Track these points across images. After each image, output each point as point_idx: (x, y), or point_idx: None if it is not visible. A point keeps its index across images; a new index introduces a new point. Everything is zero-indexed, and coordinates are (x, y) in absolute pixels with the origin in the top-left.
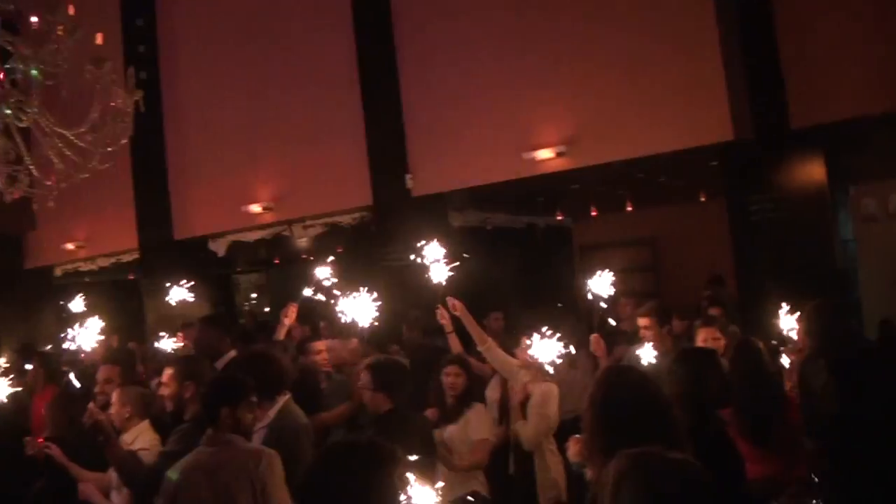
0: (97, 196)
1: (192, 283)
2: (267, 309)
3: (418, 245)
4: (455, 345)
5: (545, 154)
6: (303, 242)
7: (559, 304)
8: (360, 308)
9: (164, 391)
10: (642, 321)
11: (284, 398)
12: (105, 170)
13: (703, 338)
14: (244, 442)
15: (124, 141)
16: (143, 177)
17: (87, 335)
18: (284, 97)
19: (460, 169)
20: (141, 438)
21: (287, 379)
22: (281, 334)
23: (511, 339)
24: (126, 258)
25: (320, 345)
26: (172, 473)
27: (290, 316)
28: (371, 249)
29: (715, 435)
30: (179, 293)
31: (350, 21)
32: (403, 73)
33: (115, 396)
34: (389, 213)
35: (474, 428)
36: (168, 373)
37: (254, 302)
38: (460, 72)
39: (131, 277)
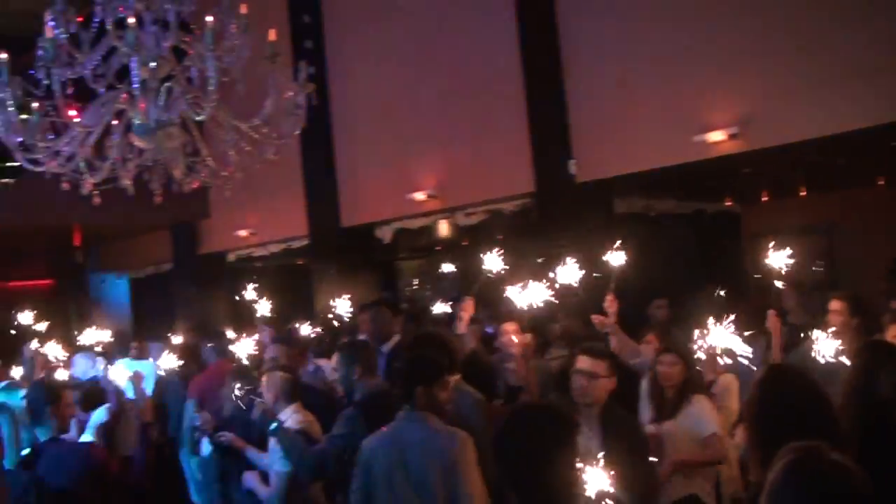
0: (268, 185)
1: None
2: (427, 294)
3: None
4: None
5: (716, 136)
6: (464, 230)
7: (722, 292)
8: (526, 295)
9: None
10: (834, 305)
11: (455, 378)
12: (276, 160)
13: (894, 334)
14: (437, 421)
15: (297, 132)
16: (313, 166)
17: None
18: (448, 87)
19: (626, 154)
20: (292, 419)
21: (458, 360)
22: (461, 328)
23: (676, 329)
24: (296, 244)
25: (511, 326)
26: (366, 448)
27: (468, 309)
28: (533, 236)
29: (885, 436)
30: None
31: (513, 8)
32: (567, 56)
33: (263, 382)
34: (552, 200)
35: (700, 422)
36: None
37: (415, 287)
38: (626, 52)
39: (300, 262)
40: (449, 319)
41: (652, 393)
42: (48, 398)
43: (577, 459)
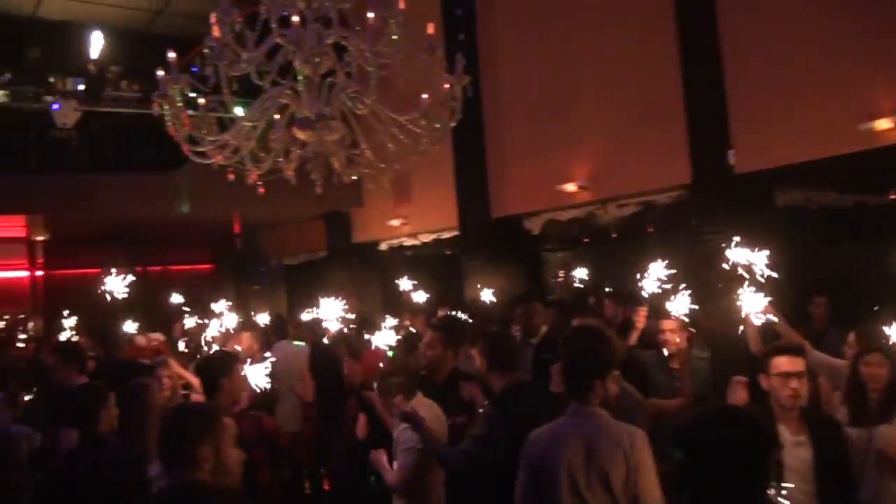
0: (420, 176)
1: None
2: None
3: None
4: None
5: (885, 124)
6: (615, 221)
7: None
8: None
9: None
10: None
11: (615, 374)
12: (430, 151)
13: None
14: (609, 416)
15: (453, 124)
16: (464, 158)
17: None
18: (601, 76)
19: (788, 143)
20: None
21: (618, 356)
22: (633, 339)
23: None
24: (446, 235)
25: (670, 323)
26: (539, 442)
27: (641, 319)
28: (686, 229)
29: None
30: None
31: (670, 3)
32: (726, 43)
33: None
34: (709, 191)
35: None
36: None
37: (560, 279)
38: (788, 38)
39: (448, 253)
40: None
41: (851, 395)
42: (222, 370)
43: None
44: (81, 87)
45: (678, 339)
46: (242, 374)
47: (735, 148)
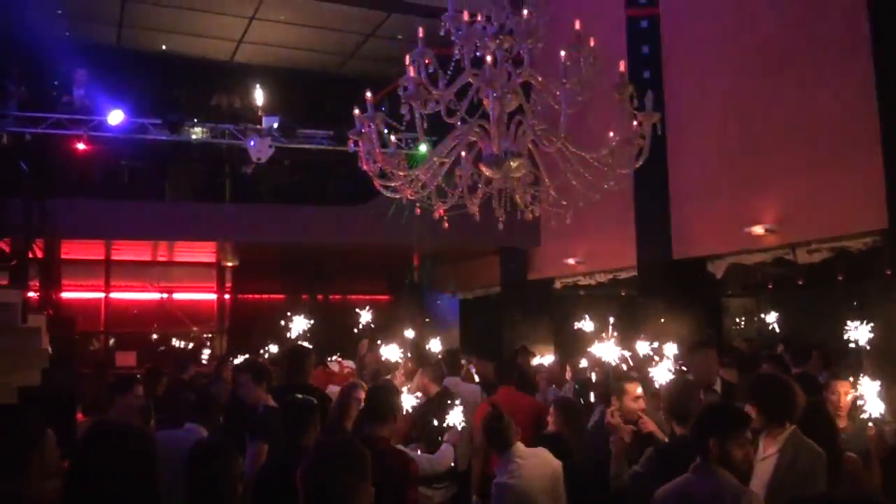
0: (599, 214)
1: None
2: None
3: None
4: None
5: None
6: (802, 268)
7: None
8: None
9: None
10: None
11: (791, 428)
12: (609, 189)
13: None
14: (730, 477)
15: (640, 163)
16: (645, 196)
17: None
18: (790, 114)
19: None
20: None
21: (797, 409)
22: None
23: None
24: (623, 275)
25: (844, 386)
26: (656, 499)
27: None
28: (880, 279)
29: None
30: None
31: (868, 42)
32: None
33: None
34: None
35: None
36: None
37: (741, 327)
38: None
39: (623, 294)
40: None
41: None
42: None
43: None
44: (276, 125)
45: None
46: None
47: None
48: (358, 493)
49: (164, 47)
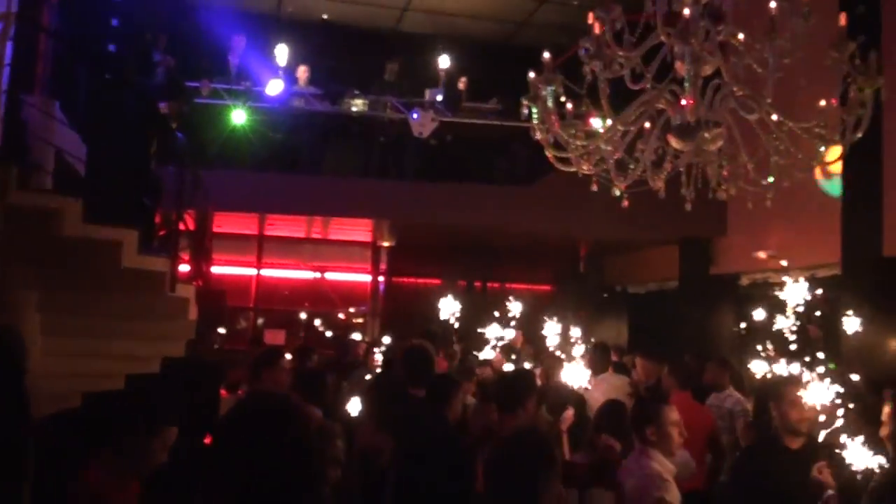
0: (796, 199)
1: None
2: None
3: None
4: None
5: None
6: None
7: None
8: None
9: None
10: None
11: None
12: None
13: None
14: None
15: (859, 135)
16: (856, 180)
17: None
18: None
19: None
20: None
21: None
22: None
23: None
24: (822, 273)
25: None
26: None
27: None
28: None
29: None
30: None
31: None
32: None
33: None
34: None
35: None
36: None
37: None
38: None
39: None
40: None
41: None
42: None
43: None
44: (440, 97)
45: None
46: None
47: None
48: None
49: (325, 16)
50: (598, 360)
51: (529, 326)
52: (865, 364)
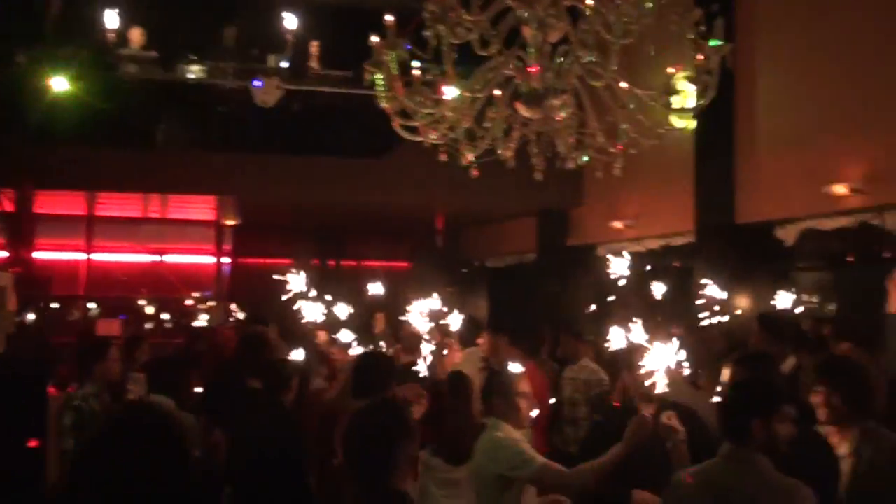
0: (651, 171)
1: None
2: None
3: None
4: None
5: None
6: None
7: None
8: None
9: None
10: None
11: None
12: (663, 138)
13: None
14: (770, 467)
15: (704, 103)
16: (707, 149)
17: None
18: (887, 58)
19: None
20: None
21: (873, 397)
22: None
23: None
24: (677, 241)
25: None
26: (674, 485)
27: None
28: None
29: None
30: None
31: None
32: None
33: None
34: None
35: None
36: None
37: (813, 305)
38: None
39: (677, 265)
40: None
41: None
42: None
43: None
44: (285, 64)
45: None
46: None
47: None
48: None
49: None
50: (467, 333)
51: (388, 306)
52: (719, 329)
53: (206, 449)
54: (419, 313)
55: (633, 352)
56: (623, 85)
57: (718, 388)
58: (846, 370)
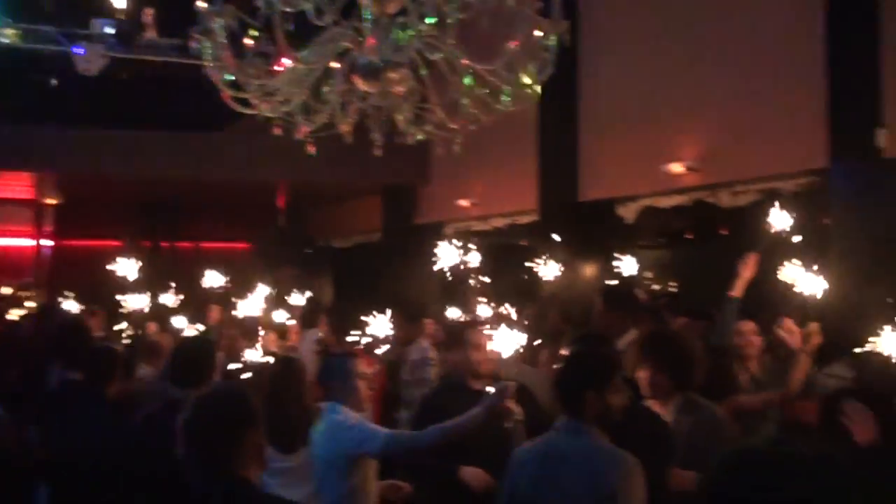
0: (496, 149)
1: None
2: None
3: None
4: None
5: None
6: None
7: None
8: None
9: None
10: None
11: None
12: (508, 117)
13: None
14: (602, 437)
15: (542, 79)
16: (550, 127)
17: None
18: (721, 40)
19: None
20: None
21: (696, 373)
22: (738, 290)
23: None
24: (522, 220)
25: (748, 325)
26: (515, 458)
27: (749, 267)
28: (818, 222)
29: None
30: None
31: None
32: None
33: None
34: (851, 177)
35: None
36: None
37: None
38: None
39: (523, 243)
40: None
41: None
42: None
43: None
44: (111, 30)
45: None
46: None
47: (887, 126)
48: None
49: None
50: (308, 315)
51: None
52: (559, 306)
53: (18, 444)
54: (258, 299)
55: (466, 328)
56: (463, 60)
57: (555, 366)
58: (670, 346)
